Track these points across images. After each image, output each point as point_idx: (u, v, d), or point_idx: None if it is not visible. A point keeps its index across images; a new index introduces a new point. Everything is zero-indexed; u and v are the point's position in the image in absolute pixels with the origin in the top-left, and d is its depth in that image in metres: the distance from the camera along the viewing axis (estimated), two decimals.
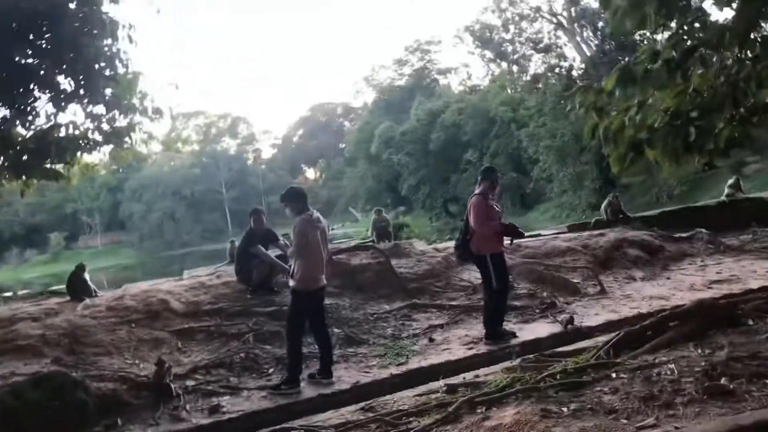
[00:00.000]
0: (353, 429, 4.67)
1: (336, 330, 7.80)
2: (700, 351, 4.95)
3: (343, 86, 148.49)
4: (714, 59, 7.57)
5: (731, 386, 4.13)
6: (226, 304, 8.45)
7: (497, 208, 7.52)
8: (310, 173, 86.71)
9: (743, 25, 6.04)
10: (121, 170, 79.28)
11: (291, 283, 6.65)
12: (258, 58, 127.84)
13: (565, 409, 4.18)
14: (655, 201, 28.83)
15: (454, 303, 8.88)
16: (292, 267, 6.60)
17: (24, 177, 8.90)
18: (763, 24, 7.32)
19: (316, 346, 6.87)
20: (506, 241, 7.57)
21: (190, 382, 6.72)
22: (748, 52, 7.17)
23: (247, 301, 8.52)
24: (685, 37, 6.41)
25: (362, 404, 5.39)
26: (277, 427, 4.92)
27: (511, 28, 45.82)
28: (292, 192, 6.78)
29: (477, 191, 7.50)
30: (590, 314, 8.01)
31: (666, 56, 6.06)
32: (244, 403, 6.26)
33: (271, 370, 7.04)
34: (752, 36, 7.09)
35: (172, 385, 6.37)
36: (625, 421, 3.87)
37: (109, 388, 6.29)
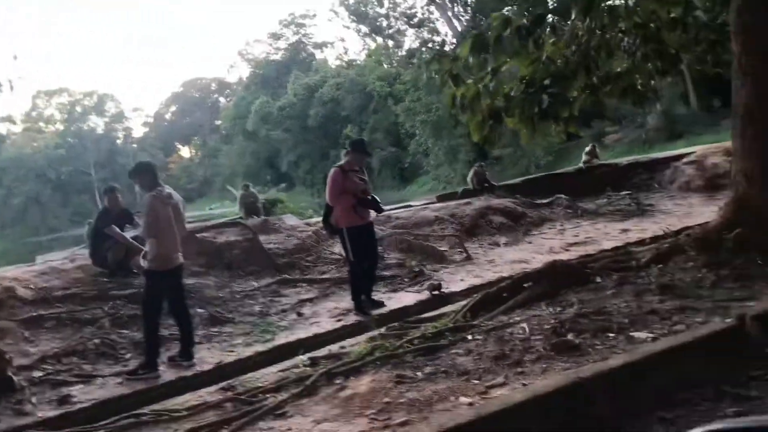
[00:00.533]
0: (207, 410, 4.46)
1: (199, 310, 7.50)
2: (551, 309, 5.12)
3: (217, 61, 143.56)
4: (565, 28, 7.84)
5: (577, 341, 4.28)
6: (80, 288, 7.91)
7: (359, 181, 7.36)
8: (185, 151, 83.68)
9: None
10: None
11: (144, 263, 6.30)
12: (126, 33, 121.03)
13: (419, 374, 4.19)
14: (525, 171, 29.97)
15: (324, 276, 8.80)
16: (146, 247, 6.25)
17: None
18: None
19: (177, 328, 6.58)
20: (371, 213, 7.47)
21: (37, 373, 6.22)
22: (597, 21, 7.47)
23: (103, 285, 8.01)
24: (535, 5, 6.56)
25: (222, 384, 5.20)
26: (126, 414, 4.62)
27: (386, 2, 46.14)
28: (140, 167, 6.40)
29: (339, 163, 7.40)
30: (456, 280, 8.16)
31: (517, 23, 6.16)
32: (97, 391, 5.87)
33: (129, 356, 6.66)
34: (601, 6, 7.40)
35: (14, 378, 5.88)
36: (476, 382, 3.92)
37: None
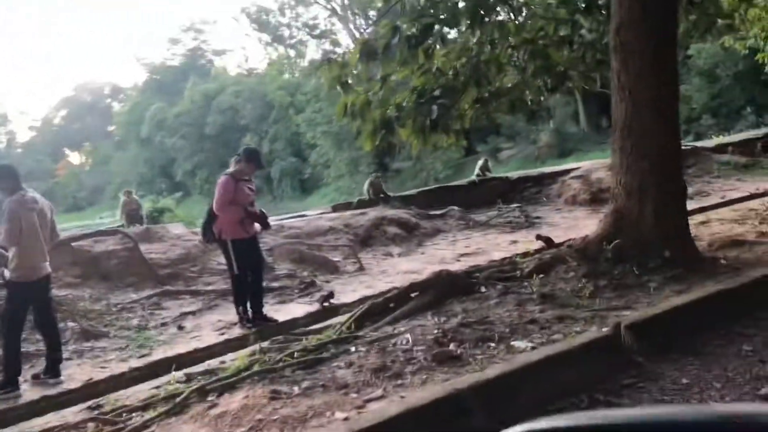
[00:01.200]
0: (68, 430, 4.10)
1: (71, 324, 7.00)
2: (436, 319, 5.06)
3: (111, 65, 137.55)
4: (456, 40, 7.93)
5: (458, 351, 4.24)
6: None
7: (249, 192, 7.02)
8: (75, 157, 79.60)
9: (472, 4, 6.29)
10: None
11: (6, 273, 5.79)
12: (13, 34, 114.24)
13: (296, 389, 4.01)
14: (424, 184, 30.41)
15: (209, 288, 8.44)
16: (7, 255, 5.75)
17: None
18: (498, 9, 7.80)
19: (43, 343, 6.08)
20: (256, 226, 7.09)
21: None
22: (486, 35, 7.59)
23: None
24: (424, 15, 6.56)
25: (89, 403, 4.82)
26: None
27: (287, 12, 45.81)
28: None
29: (228, 170, 7.07)
30: (347, 291, 8.03)
31: (406, 32, 6.15)
32: None
33: None
34: (491, 20, 7.52)
35: None
36: (354, 395, 3.78)
37: None
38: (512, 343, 4.31)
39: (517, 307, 5.06)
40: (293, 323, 6.97)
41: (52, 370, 5.87)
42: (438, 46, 6.81)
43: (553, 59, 7.88)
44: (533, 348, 4.14)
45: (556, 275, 5.72)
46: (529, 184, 13.69)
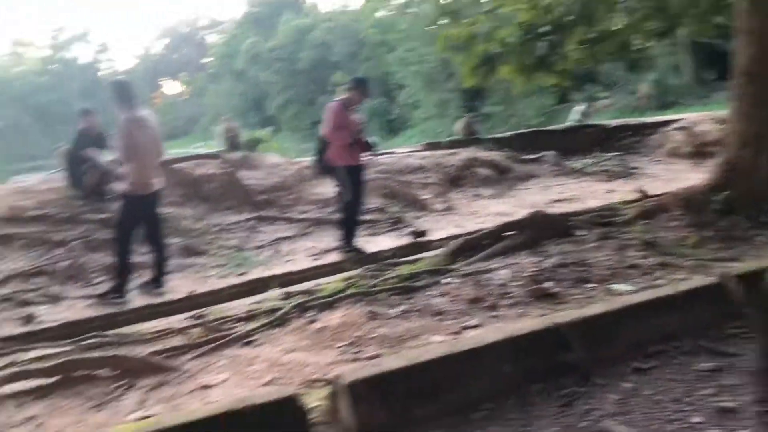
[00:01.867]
0: (173, 334, 4.37)
1: (174, 240, 7.36)
2: (532, 258, 5.03)
3: None
4: None
5: (555, 290, 4.21)
6: (52, 210, 7.73)
7: (357, 121, 7.08)
8: (171, 88, 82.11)
9: None
10: None
11: (121, 187, 6.13)
12: None
13: (392, 312, 4.10)
14: (514, 130, 29.82)
15: (303, 216, 8.66)
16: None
17: None
18: None
19: (150, 255, 6.44)
20: (363, 154, 7.14)
21: (3, 291, 6.11)
22: None
23: (76, 208, 7.83)
24: None
25: (192, 313, 5.10)
26: (89, 335, 4.51)
27: None
28: (118, 84, 6.18)
29: (339, 98, 7.10)
30: (436, 229, 8.07)
31: None
32: (64, 312, 5.79)
33: (98, 280, 6.55)
34: None
35: None
36: (450, 322, 3.84)
37: None
38: (611, 285, 4.24)
39: (617, 251, 4.95)
40: (383, 254, 7.08)
41: (158, 281, 6.23)
42: None
43: (667, 1, 7.47)
44: (633, 292, 4.07)
45: (659, 223, 5.54)
46: (629, 133, 13.15)
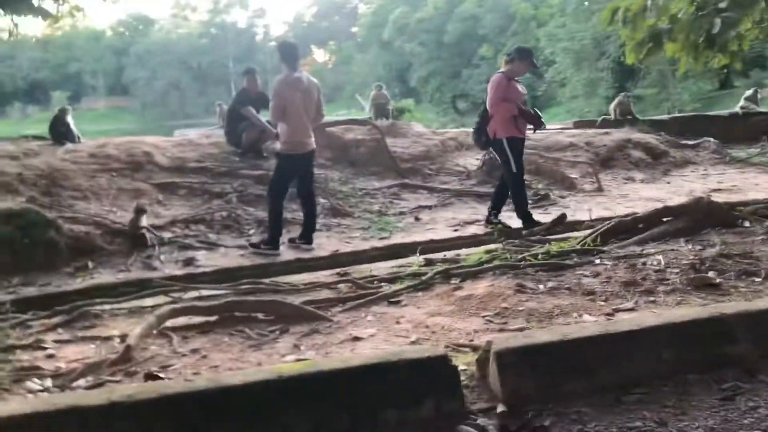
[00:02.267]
0: (323, 288, 4.54)
1: (322, 200, 7.60)
2: (691, 246, 4.78)
3: None
4: None
5: (717, 280, 3.97)
6: (212, 163, 8.21)
7: (522, 92, 6.86)
8: (320, 55, 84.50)
9: None
10: (126, 32, 77.63)
11: (277, 146, 6.41)
12: None
13: (541, 287, 4.04)
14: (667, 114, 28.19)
15: (445, 186, 8.66)
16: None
17: (8, 11, 8.41)
18: None
19: (300, 213, 6.70)
20: (528, 128, 6.84)
21: (167, 234, 6.58)
22: None
23: (234, 163, 8.27)
24: None
25: (337, 270, 5.28)
26: (245, 281, 4.79)
27: None
28: (280, 47, 6.47)
29: (501, 70, 6.87)
30: (583, 209, 7.77)
31: None
32: (219, 258, 6.14)
33: (251, 231, 6.89)
34: None
35: (147, 234, 6.23)
36: (602, 303, 3.73)
37: (83, 231, 6.13)
38: None
39: None
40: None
41: (307, 237, 6.48)
42: None
43: None
44: None
45: None
46: None
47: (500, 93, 6.58)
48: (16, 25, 9.48)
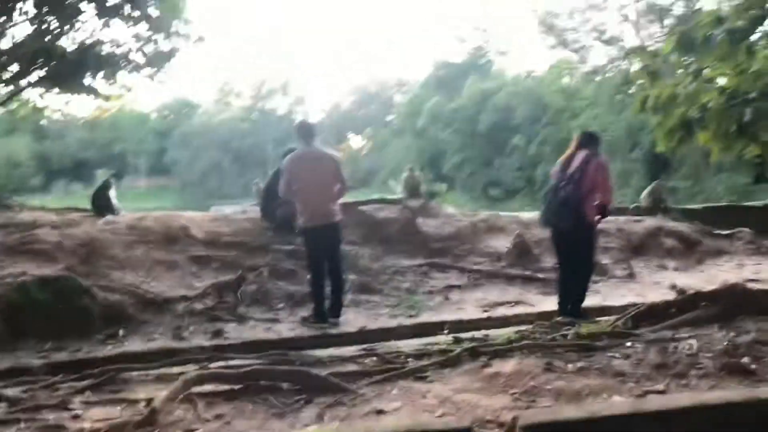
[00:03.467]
0: (347, 361, 4.51)
1: (352, 276, 7.66)
2: (724, 332, 4.66)
3: (401, 60, 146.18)
4: None
5: (753, 366, 3.86)
6: (246, 238, 8.39)
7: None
8: (355, 142, 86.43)
9: None
10: (171, 116, 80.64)
11: (300, 221, 6.57)
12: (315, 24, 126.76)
13: (570, 366, 3.96)
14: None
15: (476, 267, 8.66)
16: None
17: (63, 89, 8.91)
18: None
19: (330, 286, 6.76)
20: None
21: (197, 306, 6.67)
22: None
23: (267, 238, 8.44)
24: (753, 7, 5.98)
25: (364, 346, 5.26)
26: (272, 352, 4.79)
27: (576, 16, 44.72)
28: (297, 125, 6.75)
29: (592, 152, 6.23)
30: (615, 295, 7.71)
31: (731, 24, 5.66)
32: (247, 331, 6.18)
33: (280, 305, 6.95)
34: None
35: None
36: (632, 384, 3.64)
37: (116, 300, 6.25)
38: None
39: None
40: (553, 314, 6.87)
41: (335, 311, 6.51)
42: (763, 42, 6.19)
43: None
44: None
45: None
46: None
47: (609, 177, 6.26)
48: (67, 103, 10.02)
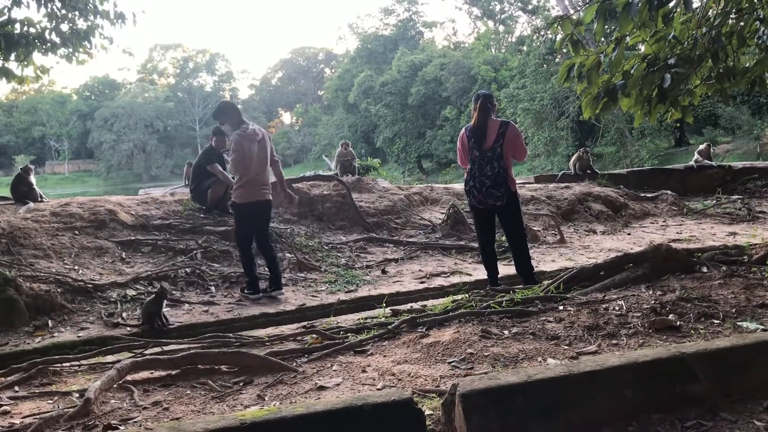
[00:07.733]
0: (287, 340, 4.50)
1: (288, 255, 7.61)
2: (651, 292, 4.85)
3: (326, 31, 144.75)
4: (697, 6, 7.36)
5: (678, 323, 4.03)
6: (177, 220, 8.18)
7: None
8: (286, 117, 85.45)
9: None
10: (92, 97, 77.70)
11: (232, 196, 6.51)
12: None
13: (506, 332, 4.05)
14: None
15: (411, 240, 8.72)
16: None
17: None
18: None
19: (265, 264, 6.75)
20: None
21: (130, 292, 6.49)
22: (733, 4, 6.98)
23: (199, 220, 8.26)
24: None
25: (304, 323, 5.25)
26: (209, 335, 4.72)
27: None
28: (224, 105, 6.62)
29: (503, 118, 6.41)
30: (546, 260, 7.91)
31: None
32: (183, 315, 6.06)
33: (215, 288, 6.83)
34: None
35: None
36: (566, 347, 3.75)
37: (43, 290, 6.00)
38: (739, 323, 4.01)
39: (745, 290, 4.69)
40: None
41: (275, 284, 6.53)
42: (679, 10, 6.36)
43: None
44: (765, 330, 3.83)
45: None
46: (755, 176, 12.48)
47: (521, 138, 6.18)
48: None
